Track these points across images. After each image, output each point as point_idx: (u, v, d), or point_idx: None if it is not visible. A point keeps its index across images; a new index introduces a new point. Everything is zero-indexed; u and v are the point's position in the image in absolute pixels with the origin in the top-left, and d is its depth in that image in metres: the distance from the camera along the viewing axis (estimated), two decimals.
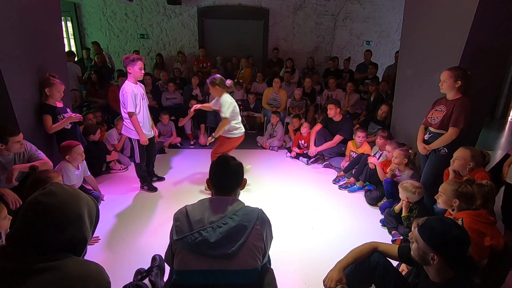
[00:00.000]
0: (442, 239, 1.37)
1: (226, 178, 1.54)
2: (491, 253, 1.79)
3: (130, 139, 3.20)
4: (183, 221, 1.40)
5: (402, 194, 2.69)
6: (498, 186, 2.55)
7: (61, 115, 3.12)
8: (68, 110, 3.25)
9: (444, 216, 2.09)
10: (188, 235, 1.34)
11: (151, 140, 3.33)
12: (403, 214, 2.69)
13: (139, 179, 3.45)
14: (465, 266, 1.38)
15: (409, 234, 1.66)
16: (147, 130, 3.23)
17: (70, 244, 0.97)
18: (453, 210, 2.04)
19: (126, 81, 3.01)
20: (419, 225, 1.47)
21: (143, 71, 3.02)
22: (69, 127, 3.16)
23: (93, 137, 3.72)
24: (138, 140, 3.14)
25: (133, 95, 2.95)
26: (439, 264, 1.38)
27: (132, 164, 4.11)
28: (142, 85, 3.20)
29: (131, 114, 2.98)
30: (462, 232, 1.38)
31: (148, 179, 3.52)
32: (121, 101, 3.01)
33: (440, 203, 2.11)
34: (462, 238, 1.36)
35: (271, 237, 1.54)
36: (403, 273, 1.87)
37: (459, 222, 1.88)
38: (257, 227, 1.40)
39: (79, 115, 3.20)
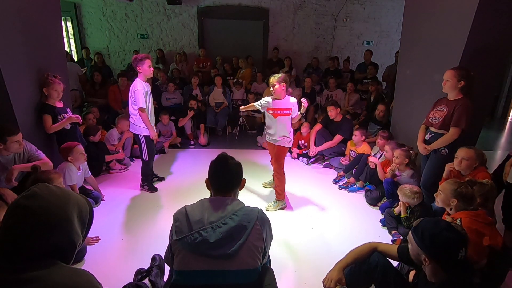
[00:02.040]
0: (431, 242, 1.36)
1: (226, 178, 1.54)
2: (490, 253, 1.79)
3: (137, 136, 3.22)
4: (183, 221, 1.39)
5: (401, 198, 2.73)
6: (500, 188, 2.54)
7: (61, 115, 3.12)
8: (68, 110, 3.25)
9: (440, 218, 2.09)
10: (187, 235, 1.34)
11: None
12: (402, 215, 2.70)
13: (141, 177, 3.44)
14: (459, 268, 1.38)
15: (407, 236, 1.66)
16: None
17: (57, 249, 0.89)
18: (450, 209, 2.04)
19: (137, 79, 3.09)
20: (413, 226, 1.48)
21: (152, 69, 3.11)
22: (68, 127, 3.16)
23: (93, 138, 3.72)
24: (145, 137, 3.17)
25: (144, 92, 3.03)
26: (431, 265, 1.39)
27: (132, 164, 4.14)
28: (149, 85, 3.25)
29: (142, 110, 3.04)
30: (453, 236, 1.35)
31: (150, 179, 3.52)
32: (131, 98, 3.07)
33: (439, 201, 2.11)
34: (452, 242, 1.34)
35: (271, 237, 1.54)
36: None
37: (458, 222, 1.88)
38: (256, 227, 1.40)
39: (78, 116, 3.21)
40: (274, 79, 2.91)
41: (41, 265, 0.86)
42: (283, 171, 3.18)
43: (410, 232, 1.47)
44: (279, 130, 3.03)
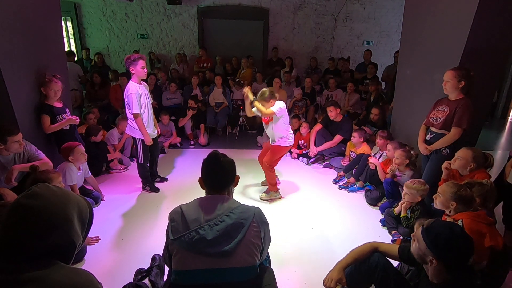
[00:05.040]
0: (445, 247, 1.36)
1: (219, 176, 1.53)
2: (491, 253, 1.79)
3: (134, 139, 3.20)
4: (179, 221, 1.39)
5: (406, 191, 2.63)
6: (501, 192, 2.48)
7: (60, 116, 3.12)
8: (67, 110, 3.25)
9: (453, 222, 2.08)
10: (185, 234, 1.34)
11: (154, 140, 3.33)
12: (402, 214, 2.69)
13: (141, 180, 3.44)
14: (463, 269, 1.38)
15: (412, 234, 1.65)
16: (151, 129, 3.24)
17: (56, 249, 0.90)
18: (449, 211, 2.03)
19: (130, 81, 3.00)
20: (424, 227, 1.45)
21: (145, 70, 3.01)
22: (67, 128, 3.16)
23: (94, 138, 3.71)
24: (142, 140, 3.14)
25: (137, 96, 2.95)
26: (437, 267, 1.39)
27: (132, 164, 4.13)
28: (146, 84, 3.20)
29: (136, 115, 2.98)
30: (467, 243, 1.37)
31: (150, 179, 3.51)
32: (126, 102, 3.00)
33: (437, 204, 2.10)
34: (465, 249, 1.36)
35: (269, 238, 1.54)
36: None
37: (459, 223, 1.87)
38: (254, 224, 1.40)
39: (77, 117, 3.20)
40: (261, 99, 3.07)
41: (41, 265, 0.86)
42: (273, 168, 3.32)
43: (419, 232, 1.46)
44: (274, 134, 3.22)
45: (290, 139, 3.26)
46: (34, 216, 0.86)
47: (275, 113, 3.04)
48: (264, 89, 3.13)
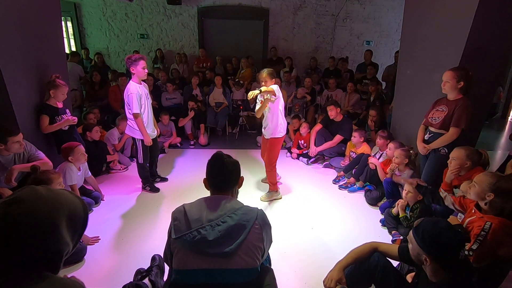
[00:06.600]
0: (431, 242, 1.37)
1: (222, 176, 1.53)
2: (496, 257, 1.75)
3: (134, 139, 3.20)
4: (181, 220, 1.40)
5: (409, 189, 2.63)
6: None
7: (60, 116, 3.13)
8: (67, 111, 3.25)
9: (441, 218, 2.05)
10: (186, 233, 1.34)
11: (153, 140, 3.33)
12: (400, 215, 2.69)
13: (141, 180, 3.44)
14: (460, 267, 1.38)
15: (407, 236, 1.65)
16: (151, 130, 3.24)
17: (40, 260, 0.82)
18: (485, 204, 1.86)
19: (131, 81, 3.00)
20: (414, 226, 1.48)
21: (146, 70, 3.01)
22: (66, 128, 3.16)
23: (89, 134, 3.68)
24: (142, 141, 3.13)
25: (138, 96, 2.95)
26: (431, 265, 1.39)
27: (132, 164, 4.13)
28: (146, 85, 3.20)
29: (136, 115, 2.98)
30: (453, 236, 1.36)
31: (150, 179, 3.51)
32: (126, 102, 2.99)
33: (472, 194, 1.94)
34: (453, 242, 1.35)
35: (271, 241, 1.54)
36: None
37: (487, 225, 1.76)
38: (256, 226, 1.40)
39: (75, 118, 3.20)
40: (268, 75, 3.02)
41: (25, 278, 0.79)
42: (275, 166, 3.29)
43: (410, 232, 1.48)
44: (269, 120, 3.13)
45: (283, 129, 3.18)
46: (13, 224, 0.79)
47: (275, 91, 2.94)
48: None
